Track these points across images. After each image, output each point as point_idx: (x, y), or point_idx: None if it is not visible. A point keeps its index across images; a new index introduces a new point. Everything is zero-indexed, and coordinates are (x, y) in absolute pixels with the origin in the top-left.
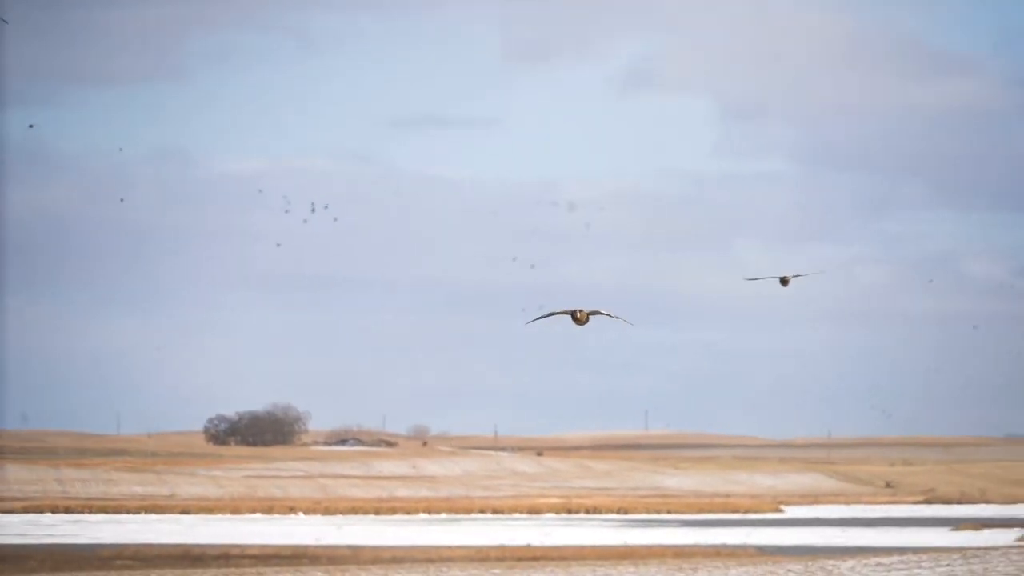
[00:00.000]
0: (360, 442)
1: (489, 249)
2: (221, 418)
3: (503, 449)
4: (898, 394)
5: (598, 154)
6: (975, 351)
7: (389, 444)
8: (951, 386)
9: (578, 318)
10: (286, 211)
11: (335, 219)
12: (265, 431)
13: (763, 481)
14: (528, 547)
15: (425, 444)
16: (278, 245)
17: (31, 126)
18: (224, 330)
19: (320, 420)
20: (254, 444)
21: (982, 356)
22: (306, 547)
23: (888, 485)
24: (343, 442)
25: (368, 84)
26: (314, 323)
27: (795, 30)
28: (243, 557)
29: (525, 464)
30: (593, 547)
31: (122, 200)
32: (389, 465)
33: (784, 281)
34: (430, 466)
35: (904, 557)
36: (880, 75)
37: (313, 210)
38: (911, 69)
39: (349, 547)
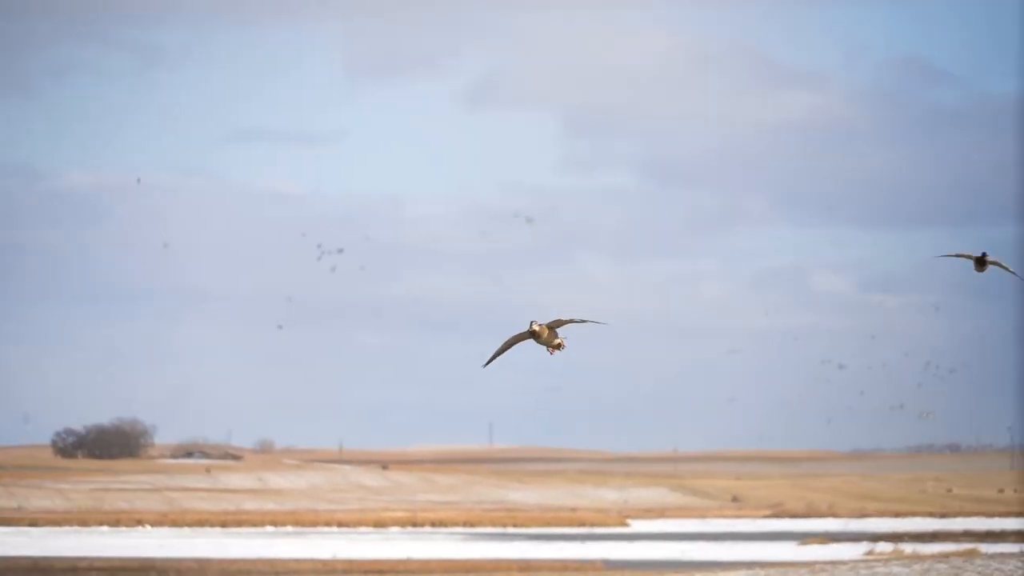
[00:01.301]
0: (206, 455)
1: (336, 261)
2: (68, 431)
3: (348, 463)
4: (744, 408)
5: (443, 168)
6: (821, 366)
7: (235, 457)
8: (796, 401)
9: (536, 333)
10: (126, 224)
11: (166, 243)
12: (112, 444)
13: (609, 495)
14: (374, 560)
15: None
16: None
17: None
18: (71, 344)
19: (166, 434)
20: (101, 457)
21: (827, 370)
22: (153, 560)
23: (735, 499)
24: (189, 455)
25: (209, 98)
26: (160, 337)
27: (640, 45)
28: (91, 570)
29: (370, 478)
30: (439, 560)
31: None
32: (235, 478)
33: (981, 262)
34: (276, 479)
35: (752, 571)
36: (724, 90)
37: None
38: (756, 84)
39: (196, 560)
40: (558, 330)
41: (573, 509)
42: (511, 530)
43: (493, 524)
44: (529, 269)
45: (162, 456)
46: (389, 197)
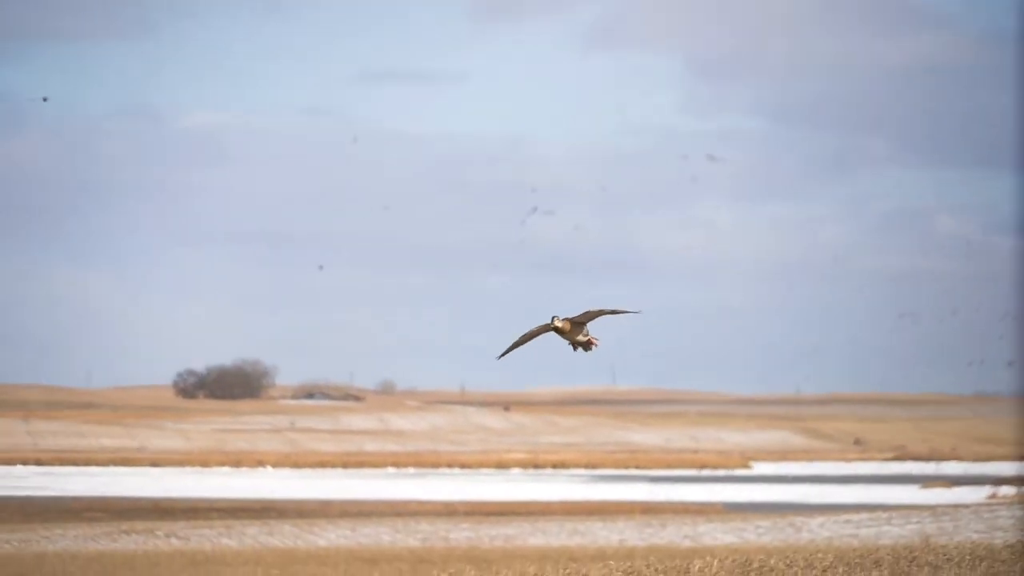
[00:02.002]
0: (327, 396)
1: (455, 204)
2: (190, 372)
3: (470, 404)
4: (866, 352)
5: (564, 110)
6: (944, 309)
7: (356, 398)
8: (920, 343)
9: (560, 329)
10: (254, 167)
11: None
12: (233, 385)
13: (731, 437)
14: (496, 502)
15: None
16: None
17: (45, 99)
18: (194, 285)
19: (288, 375)
20: (222, 398)
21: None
22: (274, 501)
23: (857, 442)
24: (311, 396)
25: (334, 40)
26: (283, 278)
27: None
28: (212, 511)
29: (492, 419)
30: (561, 502)
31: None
32: (357, 419)
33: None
34: (397, 421)
35: (873, 514)
36: (849, 31)
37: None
38: (881, 25)
39: (318, 501)
40: (589, 325)
41: (695, 451)
42: (633, 472)
43: (615, 466)
44: (649, 212)
45: (283, 397)
46: (511, 139)
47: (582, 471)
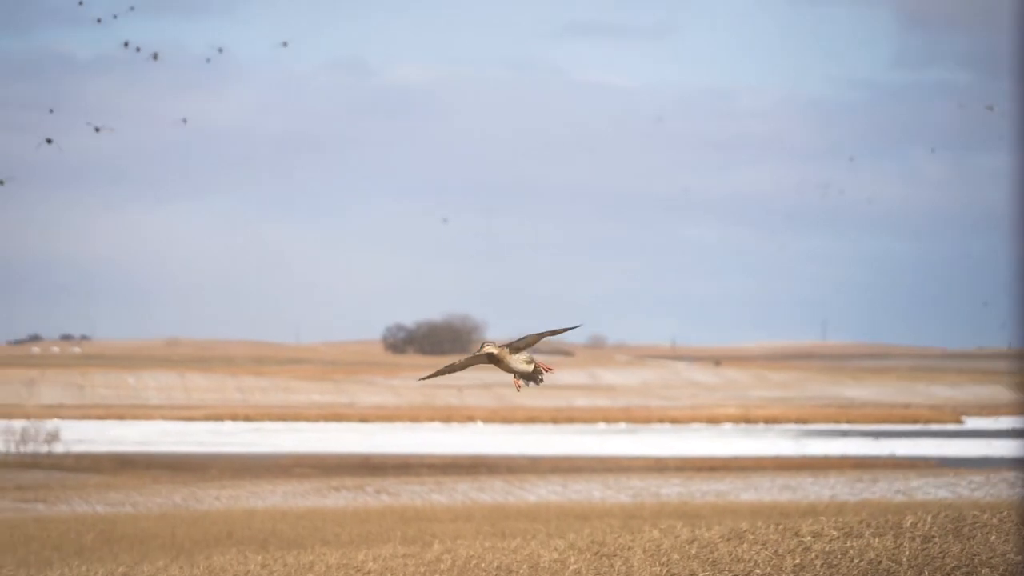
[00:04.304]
0: (538, 351)
1: (664, 157)
2: (399, 327)
3: (680, 359)
4: None
5: (771, 62)
6: None
7: (566, 353)
8: None
9: (496, 357)
10: (462, 120)
11: (495, 137)
12: (443, 340)
13: (942, 392)
14: (707, 457)
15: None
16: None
17: (284, 43)
18: (402, 240)
19: (497, 329)
20: (432, 353)
21: None
22: (484, 456)
23: None
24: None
25: None
26: (491, 232)
27: None
28: (422, 466)
29: (703, 374)
30: (772, 457)
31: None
32: (567, 374)
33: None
34: (608, 375)
35: None
36: None
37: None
38: None
39: (527, 456)
40: (536, 352)
41: (906, 405)
42: (844, 426)
43: (826, 421)
44: (860, 164)
45: None
46: (718, 91)
47: (793, 426)
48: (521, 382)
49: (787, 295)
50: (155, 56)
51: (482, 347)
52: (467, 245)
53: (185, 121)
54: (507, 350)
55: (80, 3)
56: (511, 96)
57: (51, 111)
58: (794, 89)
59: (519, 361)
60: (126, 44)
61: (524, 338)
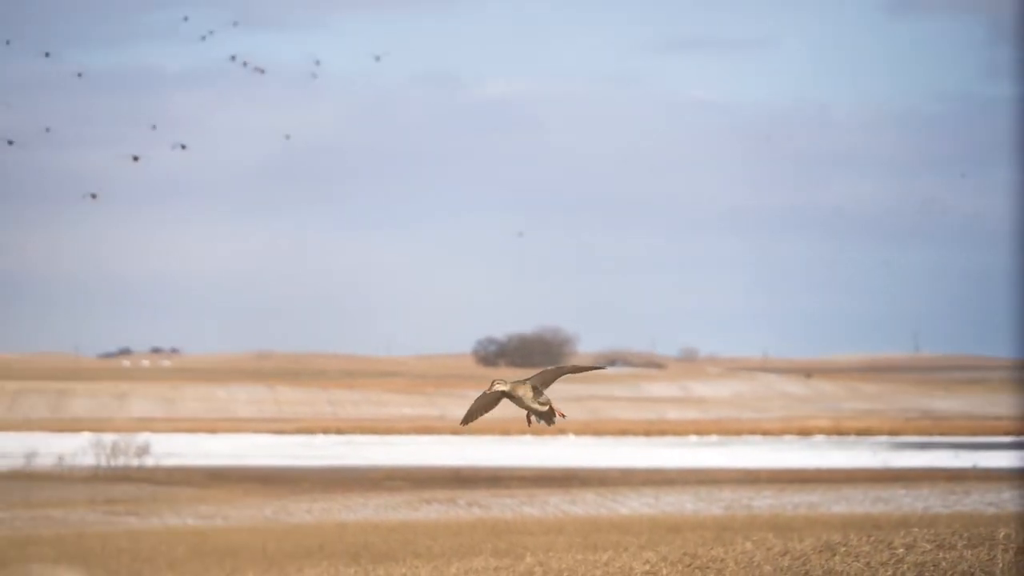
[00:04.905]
0: (629, 364)
1: (757, 171)
2: (490, 340)
3: (772, 371)
4: None
5: (866, 75)
6: None
7: (658, 366)
8: None
9: (509, 394)
10: (554, 134)
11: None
12: (534, 353)
13: None
14: (798, 469)
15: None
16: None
17: (377, 58)
18: (493, 253)
19: (588, 342)
20: (523, 366)
21: None
22: (576, 469)
23: None
24: (612, 364)
25: (637, 6)
26: (583, 246)
27: None
28: (513, 479)
29: (794, 386)
30: (864, 469)
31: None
32: (659, 387)
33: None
34: (699, 388)
35: None
36: None
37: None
38: None
39: (620, 469)
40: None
41: (998, 417)
42: (936, 439)
43: (918, 433)
44: (951, 176)
45: None
46: (817, 106)
47: (884, 438)
48: (534, 418)
49: (878, 308)
50: (261, 71)
51: (492, 385)
52: (558, 259)
53: (288, 137)
54: (523, 386)
55: (185, 19)
56: (604, 110)
57: (154, 127)
58: (893, 102)
59: (532, 400)
60: (233, 58)
61: (542, 373)
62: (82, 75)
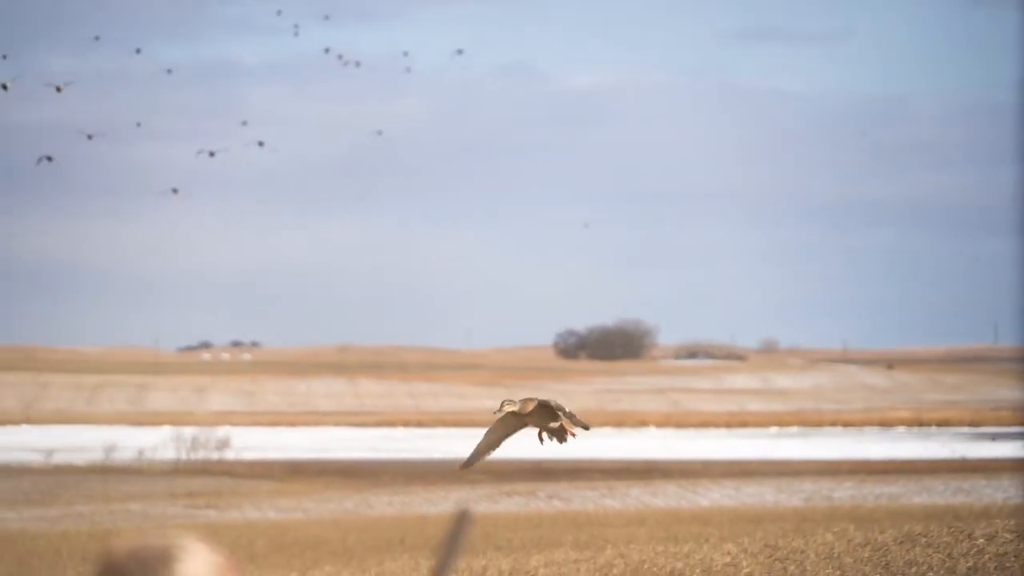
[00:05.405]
0: (709, 356)
1: (836, 162)
2: (570, 332)
3: (852, 362)
4: None
5: (946, 66)
6: None
7: (739, 358)
8: None
9: (518, 415)
10: (634, 127)
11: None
12: (615, 345)
13: None
14: (879, 460)
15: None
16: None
17: (460, 51)
18: (574, 245)
19: (669, 334)
20: (603, 358)
21: None
22: (657, 461)
23: None
24: (692, 356)
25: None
26: (662, 238)
27: None
28: (594, 471)
29: (875, 377)
30: (945, 460)
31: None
32: (740, 379)
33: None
34: (780, 379)
35: None
36: None
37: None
38: None
39: (700, 461)
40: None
41: None
42: (1016, 429)
43: (999, 424)
44: None
45: (664, 357)
46: (892, 96)
47: (966, 429)
48: (545, 435)
49: (958, 299)
50: (357, 63)
51: (502, 406)
52: (638, 251)
53: (380, 133)
54: (533, 402)
55: (279, 13)
56: (685, 102)
57: (244, 123)
58: (976, 92)
59: (548, 420)
60: (326, 51)
61: (549, 402)
62: (171, 71)
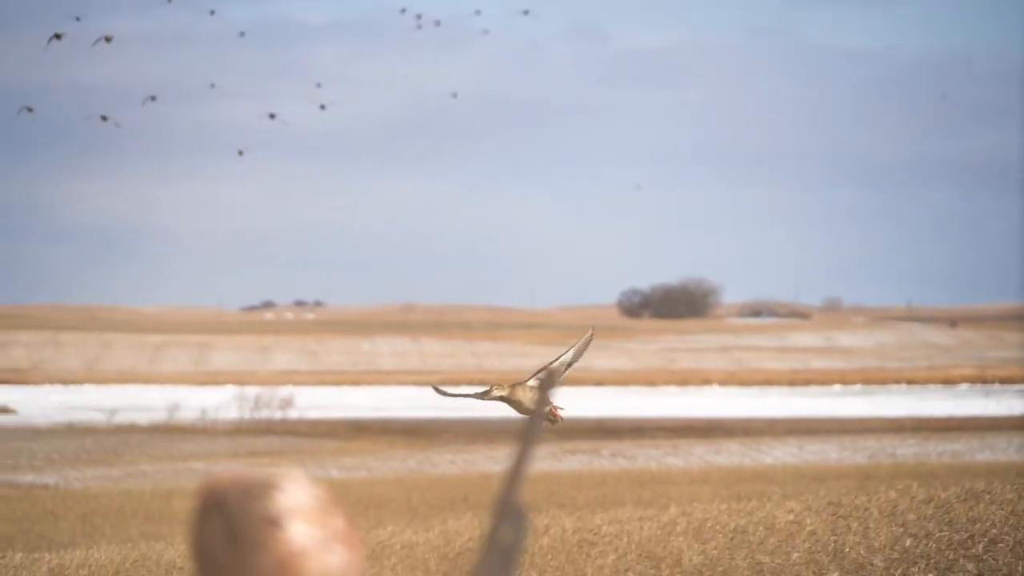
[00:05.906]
0: (774, 314)
1: (899, 121)
2: (634, 291)
3: (916, 320)
4: None
5: (1014, 22)
6: None
7: (802, 316)
8: None
9: (507, 399)
10: (699, 87)
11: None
12: (678, 304)
13: None
14: (942, 418)
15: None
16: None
17: (526, 12)
18: (638, 204)
19: (733, 293)
20: (667, 317)
21: None
22: (720, 419)
23: None
24: (757, 314)
25: None
26: (726, 197)
27: None
28: (657, 429)
29: (938, 335)
30: (1008, 417)
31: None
32: (803, 337)
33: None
34: (844, 338)
35: None
36: None
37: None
38: None
39: (764, 419)
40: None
41: None
42: None
43: None
44: None
45: (729, 315)
46: (958, 55)
47: None
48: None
49: (1022, 255)
50: (437, 23)
51: (491, 391)
52: (704, 210)
53: (455, 96)
54: (522, 388)
55: None
56: (749, 62)
57: (318, 85)
58: None
59: (532, 402)
60: (403, 11)
61: (549, 374)
62: (244, 33)
